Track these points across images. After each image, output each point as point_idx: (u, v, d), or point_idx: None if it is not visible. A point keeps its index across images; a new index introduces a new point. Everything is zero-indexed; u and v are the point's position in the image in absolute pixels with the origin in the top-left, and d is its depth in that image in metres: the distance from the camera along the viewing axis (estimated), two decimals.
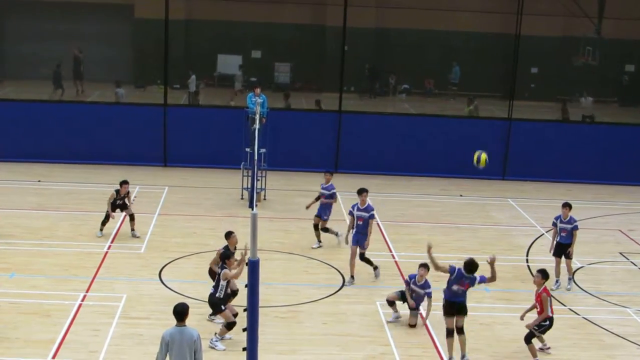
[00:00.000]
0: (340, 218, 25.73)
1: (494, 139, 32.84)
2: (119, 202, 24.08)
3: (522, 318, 18.06)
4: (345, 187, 28.40)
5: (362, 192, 21.84)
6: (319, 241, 24.14)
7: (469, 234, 26.24)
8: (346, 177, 31.62)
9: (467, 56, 44.57)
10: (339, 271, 22.23)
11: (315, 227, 24.09)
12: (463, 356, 17.30)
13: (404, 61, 45.54)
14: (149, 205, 27.58)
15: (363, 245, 21.43)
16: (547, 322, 17.69)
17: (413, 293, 19.25)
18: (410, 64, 45.15)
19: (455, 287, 17.33)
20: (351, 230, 21.65)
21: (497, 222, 27.54)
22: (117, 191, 24.02)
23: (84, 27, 44.85)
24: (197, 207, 27.59)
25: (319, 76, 45.63)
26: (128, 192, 24.31)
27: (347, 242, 21.84)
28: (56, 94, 39.97)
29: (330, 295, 20.71)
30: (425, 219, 27.52)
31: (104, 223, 24.09)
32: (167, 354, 13.71)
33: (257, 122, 26.00)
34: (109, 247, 23.42)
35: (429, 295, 19.23)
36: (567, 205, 21.81)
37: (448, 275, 17.47)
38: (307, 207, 24.50)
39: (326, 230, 24.04)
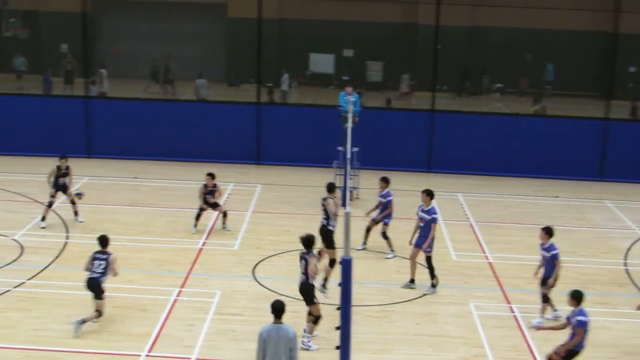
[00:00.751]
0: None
1: (591, 140, 32.32)
2: (207, 196, 24.35)
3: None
4: (439, 187, 28.23)
5: (427, 193, 20.93)
6: (364, 243, 23.66)
7: (564, 235, 25.83)
8: (439, 176, 31.48)
9: (562, 55, 44.05)
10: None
11: (368, 229, 23.68)
12: None
13: (497, 60, 45.18)
14: (243, 202, 27.80)
15: (422, 247, 20.70)
16: None
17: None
18: (504, 62, 44.76)
19: None
20: (416, 232, 20.97)
21: (593, 224, 27.10)
22: (205, 185, 24.37)
23: (178, 27, 45.53)
24: (290, 205, 27.70)
25: (411, 75, 45.53)
26: (215, 186, 24.50)
27: (410, 244, 21.36)
28: (154, 90, 40.68)
29: (423, 295, 20.60)
30: (519, 220, 27.19)
31: (197, 218, 24.34)
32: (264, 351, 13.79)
33: (350, 120, 26.01)
34: (204, 243, 23.66)
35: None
36: None
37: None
38: (367, 214, 24.08)
39: (386, 237, 23.63)
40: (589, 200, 29.89)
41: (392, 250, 23.27)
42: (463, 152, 32.31)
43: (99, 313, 18.00)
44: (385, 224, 23.37)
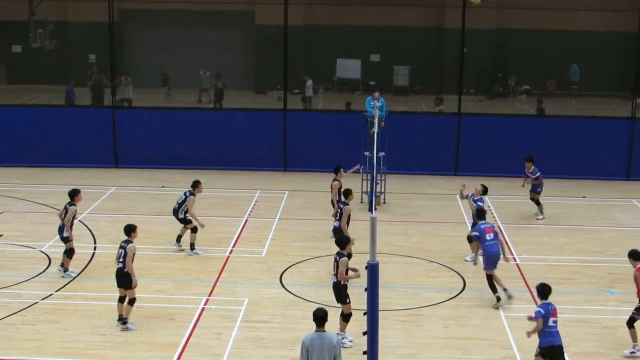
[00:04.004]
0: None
1: (617, 139, 32.15)
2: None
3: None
4: (468, 191, 28.10)
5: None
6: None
7: (591, 235, 25.73)
8: (466, 180, 31.29)
9: (588, 56, 43.80)
10: (459, 274, 22.04)
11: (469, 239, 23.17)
12: None
13: (524, 62, 45.03)
14: (270, 210, 27.86)
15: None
16: None
17: None
18: (531, 64, 44.60)
19: None
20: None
21: (621, 224, 26.91)
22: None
23: (207, 34, 45.70)
24: (317, 211, 27.69)
25: (438, 79, 45.45)
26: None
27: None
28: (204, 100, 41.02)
29: (451, 298, 20.55)
30: (547, 221, 27.07)
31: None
32: None
33: (376, 125, 26.01)
34: (231, 251, 23.72)
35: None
36: None
37: None
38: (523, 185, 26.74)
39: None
40: (616, 200, 29.70)
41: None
42: (491, 154, 32.19)
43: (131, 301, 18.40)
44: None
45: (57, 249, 23.40)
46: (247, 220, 26.54)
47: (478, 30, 41.17)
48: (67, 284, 21.00)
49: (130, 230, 18.96)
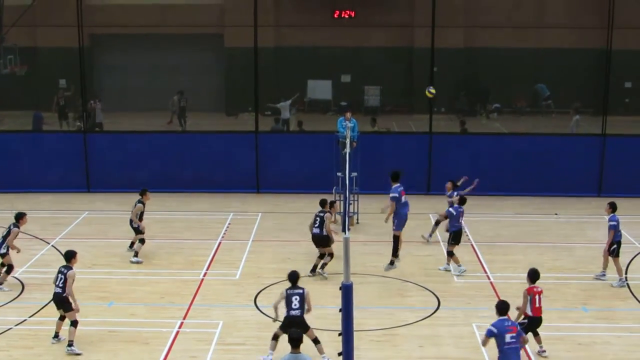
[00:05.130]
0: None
1: (588, 155, 32.36)
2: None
3: None
4: (439, 209, 28.29)
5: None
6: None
7: (564, 253, 25.86)
8: (438, 198, 31.48)
9: (557, 73, 44.20)
10: (433, 293, 22.10)
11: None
12: None
13: (493, 80, 45.32)
14: (243, 232, 27.83)
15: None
16: (526, 320, 17.94)
17: None
18: (500, 83, 44.89)
19: None
20: None
21: (593, 240, 27.03)
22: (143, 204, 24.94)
23: (175, 58, 45.72)
24: (290, 232, 27.71)
25: (408, 98, 45.63)
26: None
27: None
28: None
29: (425, 317, 20.60)
30: (520, 239, 27.20)
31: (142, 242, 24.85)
32: None
33: (348, 146, 26.05)
34: (205, 274, 23.68)
35: None
36: None
37: None
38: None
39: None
40: (588, 216, 29.85)
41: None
42: (462, 173, 32.19)
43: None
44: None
45: (31, 274, 23.33)
46: (220, 243, 26.49)
47: (447, 49, 41.45)
48: (40, 309, 20.87)
49: (70, 256, 19.22)
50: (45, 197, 31.84)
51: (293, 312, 17.68)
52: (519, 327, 16.12)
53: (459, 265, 23.67)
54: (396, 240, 22.95)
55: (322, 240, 23.35)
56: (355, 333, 14.41)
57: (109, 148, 33.34)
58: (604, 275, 23.13)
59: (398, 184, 23.00)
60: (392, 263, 23.06)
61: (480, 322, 19.96)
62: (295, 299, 17.70)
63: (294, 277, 18.15)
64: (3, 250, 22.39)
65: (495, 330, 15.72)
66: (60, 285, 18.69)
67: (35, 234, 27.11)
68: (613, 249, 22.86)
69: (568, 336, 19.50)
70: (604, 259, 23.17)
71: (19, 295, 21.91)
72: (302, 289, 17.88)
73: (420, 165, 32.48)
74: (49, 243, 26.30)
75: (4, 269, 22.54)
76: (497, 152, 32.56)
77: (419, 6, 42.77)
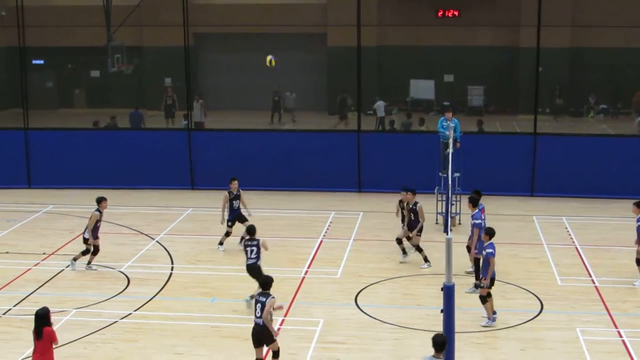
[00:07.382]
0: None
1: None
2: (233, 202, 25.67)
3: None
4: (543, 211, 28.00)
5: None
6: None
7: None
8: (543, 200, 31.12)
9: None
10: (537, 296, 21.79)
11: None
12: None
13: (600, 81, 44.59)
14: (345, 231, 27.85)
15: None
16: None
17: None
18: (607, 83, 44.15)
19: None
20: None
21: None
22: (229, 191, 25.62)
23: (279, 57, 46.04)
24: (392, 232, 27.56)
25: (513, 98, 45.20)
26: (239, 190, 25.79)
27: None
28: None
29: (527, 320, 20.32)
30: (626, 243, 26.62)
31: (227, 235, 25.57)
32: None
33: (451, 146, 25.90)
34: (306, 272, 23.77)
35: None
36: None
37: None
38: None
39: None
40: None
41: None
42: (567, 174, 31.76)
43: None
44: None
45: (136, 269, 23.74)
46: (321, 241, 26.59)
47: (553, 49, 40.87)
48: (145, 303, 21.21)
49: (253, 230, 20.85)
50: (152, 194, 32.39)
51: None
52: None
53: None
54: (477, 264, 21.86)
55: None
56: (456, 335, 14.31)
57: (213, 146, 33.67)
58: None
59: (477, 210, 22.80)
60: (476, 287, 21.45)
61: (584, 326, 19.64)
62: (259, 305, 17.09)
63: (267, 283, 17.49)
64: (86, 236, 23.34)
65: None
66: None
67: (140, 230, 27.62)
68: None
69: None
70: None
71: (124, 290, 22.29)
72: (268, 295, 17.17)
73: (523, 167, 31.99)
74: (153, 239, 26.74)
75: (92, 251, 23.51)
76: (602, 153, 31.87)
77: (524, 5, 42.29)
